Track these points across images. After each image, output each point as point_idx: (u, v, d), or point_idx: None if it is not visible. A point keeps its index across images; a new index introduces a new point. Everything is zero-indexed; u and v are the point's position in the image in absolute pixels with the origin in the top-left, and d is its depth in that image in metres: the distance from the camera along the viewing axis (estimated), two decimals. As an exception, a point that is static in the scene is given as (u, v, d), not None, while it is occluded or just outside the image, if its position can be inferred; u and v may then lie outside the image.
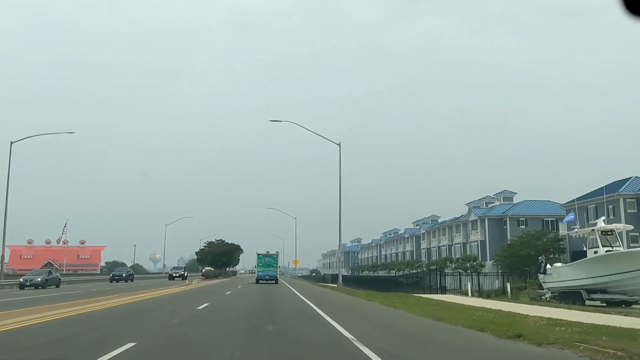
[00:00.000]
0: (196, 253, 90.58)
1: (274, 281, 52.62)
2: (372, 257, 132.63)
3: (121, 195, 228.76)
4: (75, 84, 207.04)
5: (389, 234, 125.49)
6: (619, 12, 3.64)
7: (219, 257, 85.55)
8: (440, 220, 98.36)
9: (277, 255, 56.58)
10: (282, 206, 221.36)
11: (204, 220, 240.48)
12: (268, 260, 54.76)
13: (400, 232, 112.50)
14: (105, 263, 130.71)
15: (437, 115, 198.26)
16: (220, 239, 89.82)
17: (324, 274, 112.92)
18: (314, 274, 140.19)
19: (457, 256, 76.97)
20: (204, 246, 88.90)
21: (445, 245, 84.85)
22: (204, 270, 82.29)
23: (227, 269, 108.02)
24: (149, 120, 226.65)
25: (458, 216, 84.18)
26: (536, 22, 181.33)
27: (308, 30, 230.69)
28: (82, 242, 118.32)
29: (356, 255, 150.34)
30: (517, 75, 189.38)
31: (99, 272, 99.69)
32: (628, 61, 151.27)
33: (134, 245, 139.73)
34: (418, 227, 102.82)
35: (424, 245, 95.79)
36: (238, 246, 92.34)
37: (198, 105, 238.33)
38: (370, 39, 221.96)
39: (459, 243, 79.25)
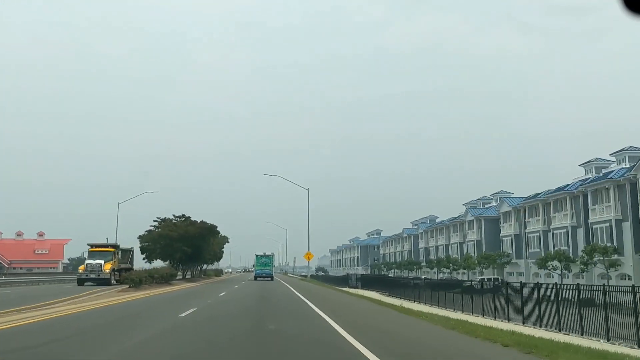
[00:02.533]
0: (139, 238, 48.20)
1: (269, 278, 59.58)
2: (403, 251, 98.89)
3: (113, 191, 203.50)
4: (73, 78, 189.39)
5: (425, 222, 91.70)
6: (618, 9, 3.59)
7: (176, 244, 45.57)
8: (514, 195, 64.00)
9: (272, 255, 66.25)
10: (283, 205, 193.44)
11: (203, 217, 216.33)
12: (265, 260, 63.08)
13: (457, 216, 76.30)
14: (69, 259, 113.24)
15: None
16: (183, 215, 49.36)
17: (348, 273, 79.71)
18: (322, 274, 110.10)
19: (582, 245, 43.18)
20: (154, 226, 48.45)
21: (567, 226, 49.30)
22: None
23: (203, 267, 71.57)
24: (144, 121, 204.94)
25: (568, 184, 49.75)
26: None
27: (309, 32, 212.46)
28: (41, 235, 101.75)
29: (376, 250, 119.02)
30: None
31: (61, 270, 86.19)
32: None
33: (107, 239, 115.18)
34: (490, 205, 68.48)
35: (506, 230, 61.18)
36: (213, 228, 52.34)
37: (196, 106, 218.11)
38: (370, 40, 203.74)
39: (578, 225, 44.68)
